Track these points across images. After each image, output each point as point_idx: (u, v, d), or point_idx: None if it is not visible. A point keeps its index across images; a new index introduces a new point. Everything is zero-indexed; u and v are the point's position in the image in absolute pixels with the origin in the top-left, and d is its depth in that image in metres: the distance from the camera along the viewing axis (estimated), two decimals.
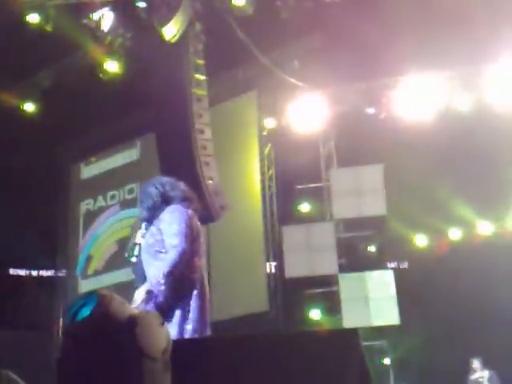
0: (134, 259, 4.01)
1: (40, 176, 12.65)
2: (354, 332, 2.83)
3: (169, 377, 2.60)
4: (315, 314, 10.70)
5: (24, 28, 9.70)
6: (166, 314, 3.74)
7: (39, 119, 11.63)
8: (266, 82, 12.01)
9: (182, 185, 4.20)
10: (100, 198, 13.21)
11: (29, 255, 13.40)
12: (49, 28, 9.93)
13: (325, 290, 10.94)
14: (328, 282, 10.87)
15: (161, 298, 3.78)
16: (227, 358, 2.63)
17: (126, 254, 4.06)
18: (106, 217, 13.01)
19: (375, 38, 9.75)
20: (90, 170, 13.64)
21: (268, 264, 11.17)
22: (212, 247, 10.73)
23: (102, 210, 13.18)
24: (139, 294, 3.83)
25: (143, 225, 4.05)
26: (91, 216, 13.30)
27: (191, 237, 3.91)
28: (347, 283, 10.69)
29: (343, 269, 10.87)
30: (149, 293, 3.80)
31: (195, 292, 3.94)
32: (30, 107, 11.68)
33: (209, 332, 3.96)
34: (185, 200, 4.07)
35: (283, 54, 11.49)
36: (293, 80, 11.54)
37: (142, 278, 3.95)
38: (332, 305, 10.70)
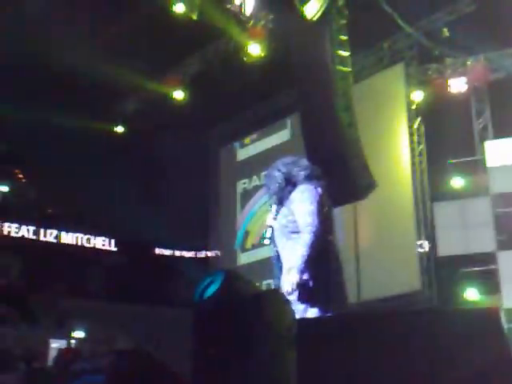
0: (266, 241, 4.03)
1: (192, 160, 13.23)
2: (494, 311, 2.65)
3: (294, 354, 2.58)
4: (472, 294, 10.17)
5: (171, 18, 10.08)
6: (311, 296, 3.73)
7: (189, 105, 12.09)
8: (414, 53, 11.56)
9: (305, 162, 4.11)
10: (255, 177, 13.65)
11: (180, 236, 14.11)
12: (194, 16, 10.25)
13: (482, 268, 10.36)
14: (486, 260, 10.28)
15: (307, 285, 3.76)
16: (352, 338, 2.56)
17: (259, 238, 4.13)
18: (260, 195, 13.44)
19: None
20: (245, 152, 14.18)
21: (420, 242, 10.79)
22: (360, 226, 10.59)
23: (257, 188, 13.64)
24: (286, 284, 3.78)
25: (273, 207, 4.04)
26: (248, 194, 13.87)
27: (323, 215, 3.85)
28: (508, 261, 10.05)
29: (503, 246, 10.21)
30: (296, 284, 3.76)
31: (333, 268, 3.89)
32: (179, 94, 12.14)
33: (346, 308, 3.89)
34: (312, 178, 3.98)
35: (431, 23, 10.96)
36: (442, 49, 10.99)
37: (277, 259, 3.96)
38: (490, 284, 10.10)
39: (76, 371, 2.83)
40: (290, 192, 3.97)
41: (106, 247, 16.22)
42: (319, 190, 3.94)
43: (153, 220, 12.23)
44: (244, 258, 13.43)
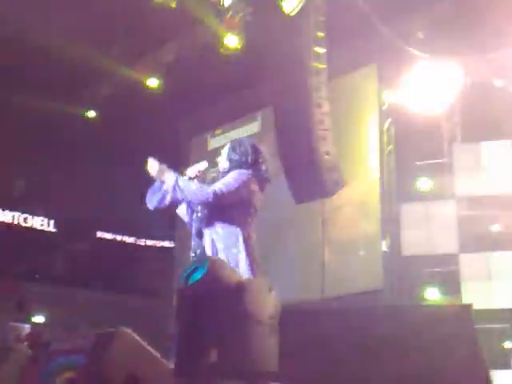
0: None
1: (163, 148, 13.18)
2: (465, 307, 2.73)
3: (275, 341, 2.61)
4: (432, 294, 10.37)
5: (149, 5, 10.00)
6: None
7: (162, 94, 12.01)
8: (388, 54, 11.65)
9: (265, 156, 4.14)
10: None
11: (147, 225, 14.08)
12: (173, 4, 10.17)
13: (444, 269, 10.57)
14: (447, 261, 10.50)
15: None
16: (333, 326, 2.60)
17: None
18: None
19: (506, 5, 9.19)
20: (215, 142, 14.24)
21: (384, 241, 10.94)
22: (327, 223, 10.68)
23: None
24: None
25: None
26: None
27: (240, 198, 3.86)
28: (469, 263, 10.28)
29: (465, 248, 10.45)
30: None
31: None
32: (153, 82, 12.05)
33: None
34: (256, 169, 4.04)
35: (407, 25, 11.06)
36: (416, 51, 11.13)
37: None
38: (451, 285, 10.32)
39: (55, 351, 2.82)
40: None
41: (45, 228, 15.92)
42: (249, 177, 4.01)
43: (129, 210, 12.14)
44: None
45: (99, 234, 16.44)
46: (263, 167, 4.07)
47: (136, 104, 12.17)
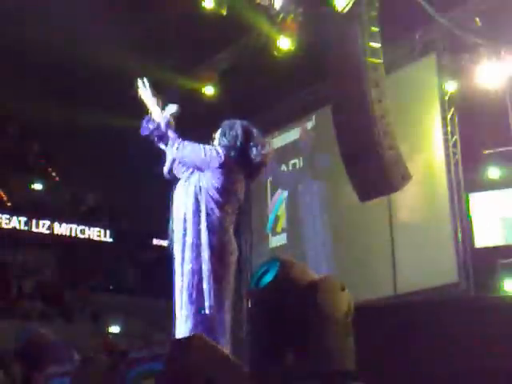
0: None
1: None
2: None
3: (351, 341, 2.56)
4: (511, 286, 10.03)
5: (201, 13, 10.11)
6: None
7: (219, 101, 12.10)
8: (446, 43, 11.42)
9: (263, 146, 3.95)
10: (283, 166, 14.07)
11: None
12: (223, 11, 10.25)
13: None
14: None
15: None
16: (409, 323, 2.53)
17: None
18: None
19: None
20: (274, 143, 14.38)
21: (455, 233, 10.67)
22: (394, 218, 10.48)
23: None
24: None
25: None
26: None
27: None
28: None
29: None
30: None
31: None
32: (209, 90, 12.16)
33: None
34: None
35: (463, 12, 10.80)
36: (474, 39, 10.83)
37: None
38: None
39: (134, 359, 2.85)
40: None
41: (102, 238, 16.09)
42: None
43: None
44: (275, 241, 13.97)
45: (155, 242, 16.59)
46: (254, 151, 3.83)
47: (193, 113, 12.31)
